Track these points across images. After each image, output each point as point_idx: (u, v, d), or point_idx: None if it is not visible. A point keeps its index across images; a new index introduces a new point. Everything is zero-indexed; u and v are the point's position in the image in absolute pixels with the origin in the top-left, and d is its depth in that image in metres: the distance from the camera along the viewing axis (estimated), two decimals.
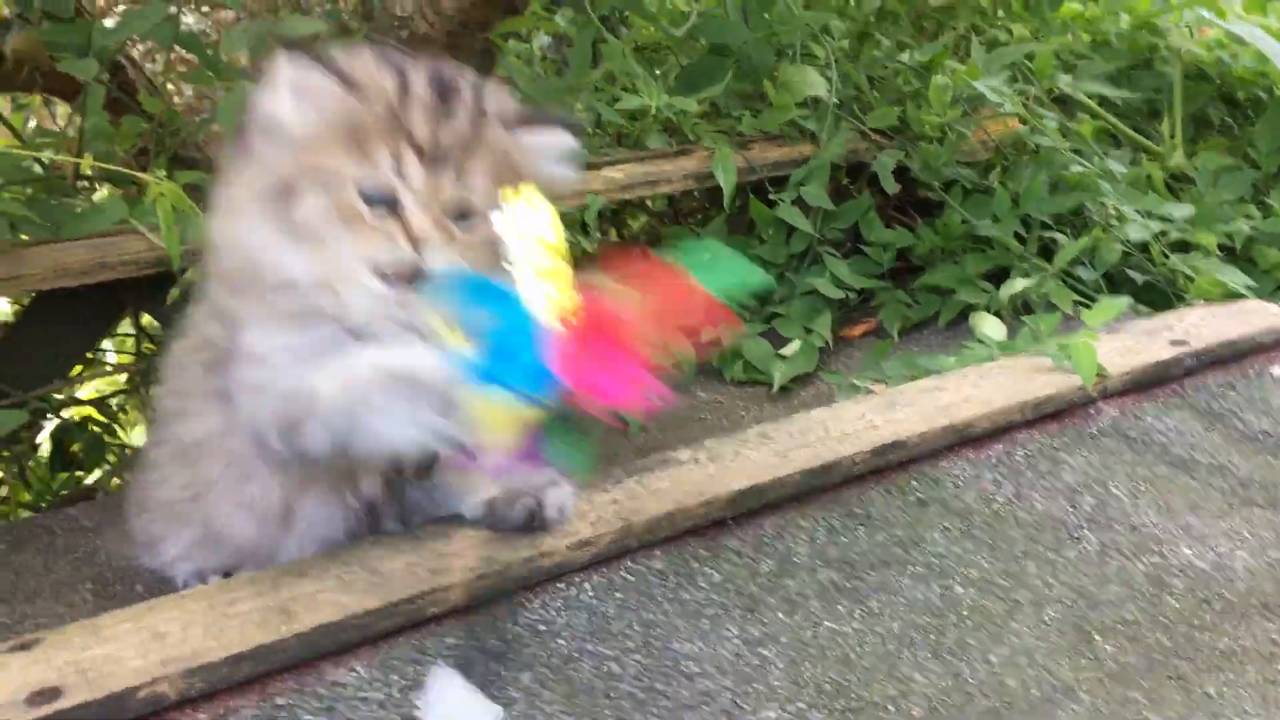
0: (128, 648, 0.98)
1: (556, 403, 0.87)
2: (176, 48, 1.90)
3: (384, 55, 0.99)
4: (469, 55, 1.92)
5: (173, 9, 1.77)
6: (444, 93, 0.96)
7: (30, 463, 2.09)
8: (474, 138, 0.96)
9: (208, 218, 1.04)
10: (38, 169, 1.81)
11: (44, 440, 2.09)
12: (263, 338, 1.01)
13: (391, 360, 0.94)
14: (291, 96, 0.95)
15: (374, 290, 0.96)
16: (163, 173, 1.53)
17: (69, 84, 2.00)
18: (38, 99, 2.71)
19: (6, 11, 1.98)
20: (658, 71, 2.31)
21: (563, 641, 1.07)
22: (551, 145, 1.02)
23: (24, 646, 0.99)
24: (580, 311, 0.90)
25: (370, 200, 0.94)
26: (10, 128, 2.06)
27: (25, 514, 1.89)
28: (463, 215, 0.96)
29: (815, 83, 2.07)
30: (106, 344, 2.13)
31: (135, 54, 2.47)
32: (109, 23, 2.21)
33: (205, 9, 2.95)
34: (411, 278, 0.94)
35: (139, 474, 1.25)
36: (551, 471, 1.16)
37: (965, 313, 1.93)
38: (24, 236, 1.64)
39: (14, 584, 1.38)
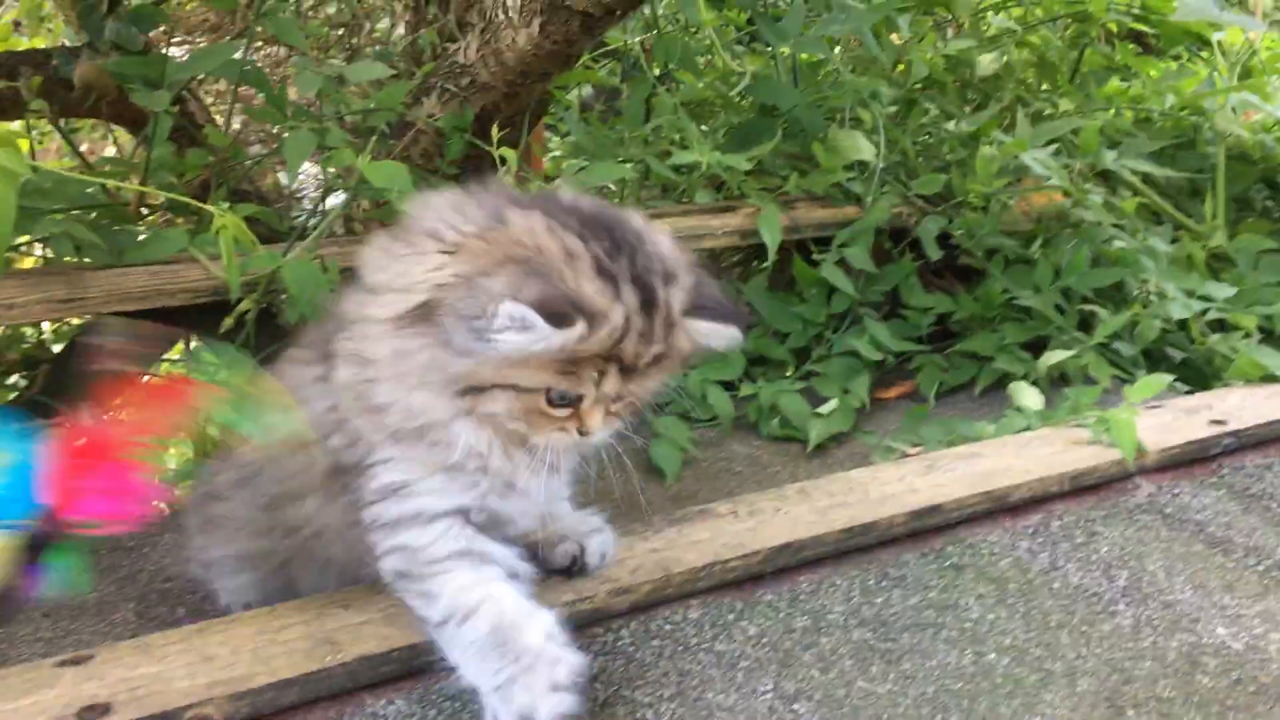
0: (177, 668, 1.01)
1: (42, 527, 0.92)
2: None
3: (602, 266, 0.97)
4: (526, 105, 1.96)
5: (240, 49, 1.83)
6: (648, 306, 0.97)
7: None
8: (666, 353, 1.01)
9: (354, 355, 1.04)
10: (102, 195, 1.86)
11: None
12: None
13: None
14: (519, 336, 0.92)
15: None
16: (225, 204, 1.57)
17: (133, 112, 2.06)
18: (87, 125, 2.79)
19: (67, 40, 2.04)
20: (704, 128, 2.35)
21: (599, 687, 1.08)
22: (721, 336, 1.04)
23: (76, 662, 1.02)
24: (69, 442, 0.95)
25: (557, 402, 0.99)
26: (80, 156, 2.12)
27: None
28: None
29: (863, 147, 2.11)
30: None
31: (197, 88, 2.54)
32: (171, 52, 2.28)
33: (259, 44, 3.03)
34: None
35: (208, 497, 1.25)
36: (597, 519, 1.19)
37: (1001, 380, 1.94)
38: (86, 260, 1.69)
39: (57, 600, 1.41)
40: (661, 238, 1.06)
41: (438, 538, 1.03)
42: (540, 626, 1.00)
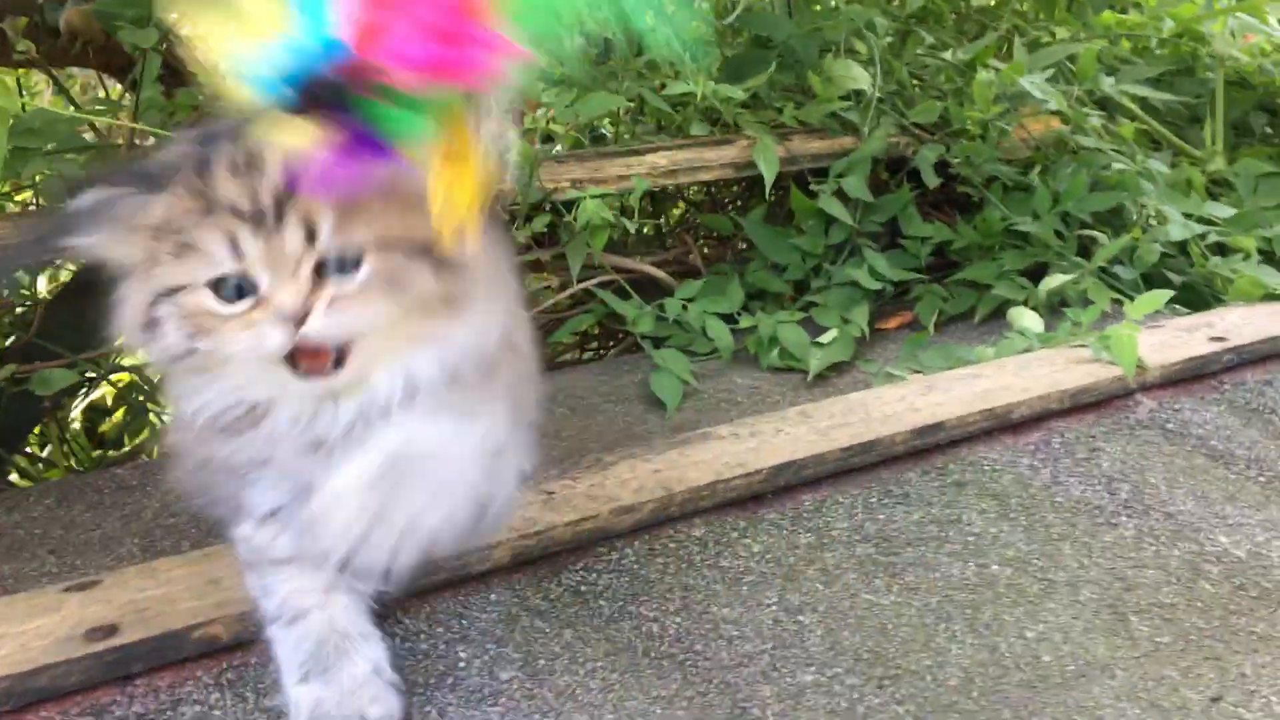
0: (183, 590, 1.01)
1: (337, 75, 0.67)
2: None
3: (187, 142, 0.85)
4: None
5: None
6: (251, 155, 0.79)
7: (77, 429, 2.13)
8: (297, 179, 0.78)
9: None
10: (92, 138, 1.84)
11: (76, 416, 2.14)
12: None
13: None
14: (97, 229, 0.81)
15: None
16: None
17: (120, 59, 2.03)
18: (77, 81, 2.76)
19: None
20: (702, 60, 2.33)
21: (604, 603, 1.08)
22: None
23: (82, 587, 1.02)
24: None
25: (228, 295, 0.80)
26: (69, 97, 2.10)
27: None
28: (340, 262, 0.80)
29: (859, 77, 2.09)
30: None
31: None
32: None
33: None
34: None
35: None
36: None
37: (1001, 309, 1.93)
38: None
39: (63, 537, 1.41)
40: None
41: (275, 537, 0.92)
42: (369, 657, 0.91)
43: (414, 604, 1.05)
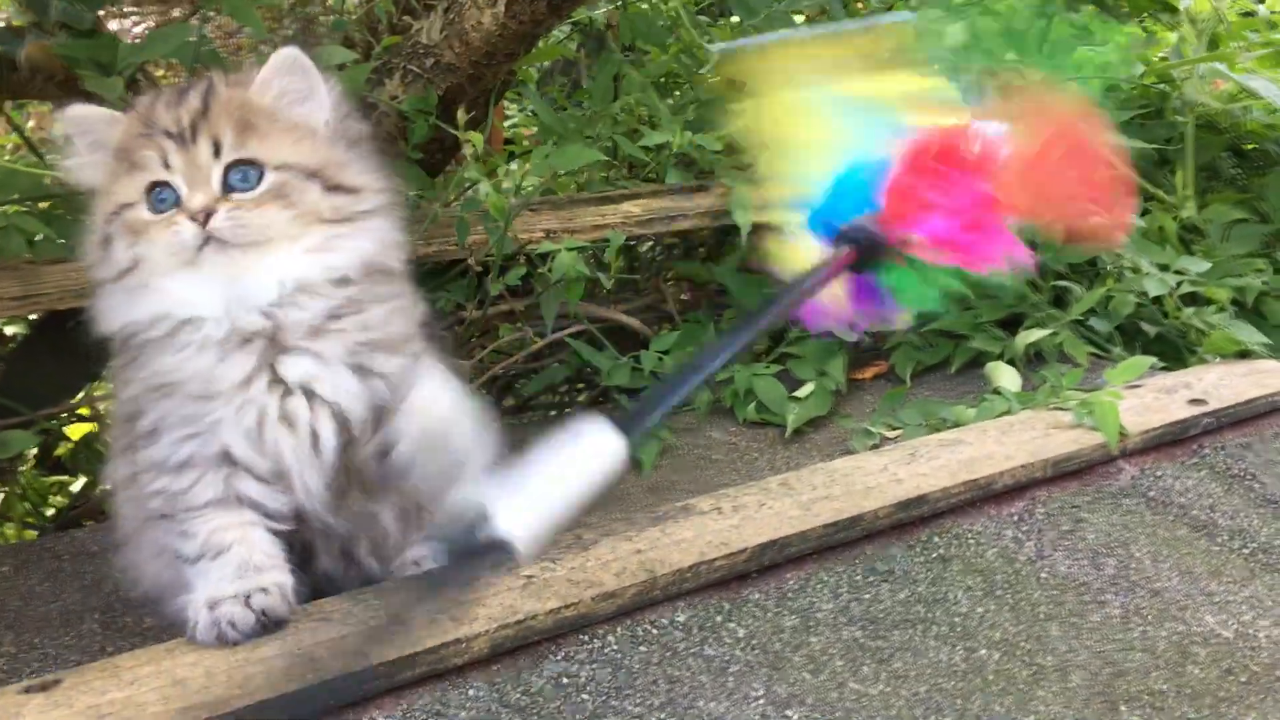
0: (148, 692, 0.97)
1: (869, 236, 0.76)
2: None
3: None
4: (491, 86, 1.91)
5: (196, 30, 1.76)
6: (183, 89, 1.06)
7: (37, 484, 2.07)
8: (207, 106, 1.02)
9: None
10: (55, 185, 1.79)
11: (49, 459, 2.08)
12: None
13: None
14: (77, 141, 1.06)
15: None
16: None
17: (84, 95, 1.98)
18: (36, 108, 2.70)
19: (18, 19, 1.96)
20: (670, 100, 2.31)
21: (587, 697, 1.05)
22: (283, 66, 1.05)
23: (44, 688, 0.98)
24: (927, 145, 0.76)
25: (159, 204, 1.02)
26: (31, 146, 2.04)
27: (29, 535, 1.86)
28: (244, 177, 1.02)
29: None
30: None
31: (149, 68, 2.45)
32: (115, 25, 2.20)
33: (211, 15, 2.93)
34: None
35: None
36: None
37: (978, 359, 1.93)
38: (33, 256, 1.62)
39: (20, 611, 1.36)
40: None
41: (193, 484, 1.05)
42: (277, 579, 1.05)
43: (389, 702, 1.01)
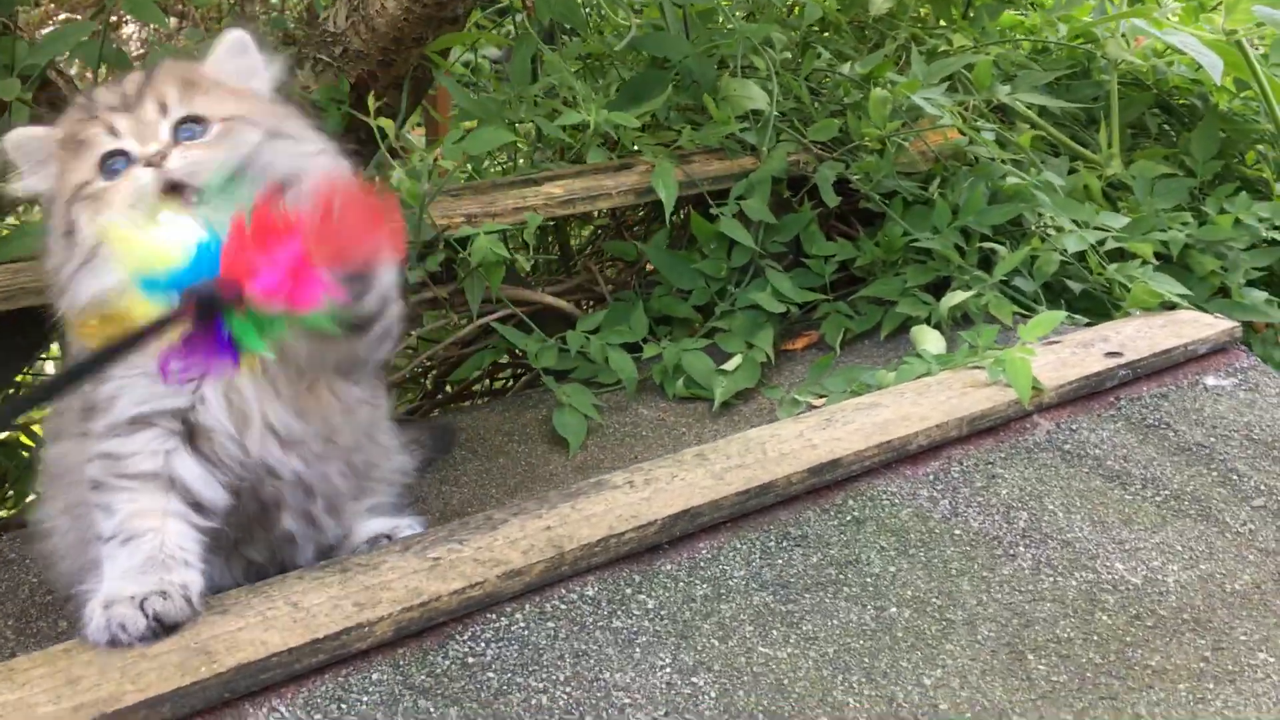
0: (40, 693, 0.96)
1: (216, 290, 0.89)
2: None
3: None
4: (404, 72, 1.90)
5: (99, 26, 1.74)
6: (123, 79, 1.11)
7: None
8: (150, 77, 1.08)
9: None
10: None
11: None
12: None
13: None
14: (23, 163, 1.10)
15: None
16: None
17: None
18: None
19: None
20: (598, 84, 2.30)
21: (492, 675, 1.05)
22: (232, 45, 1.12)
23: None
24: (255, 221, 0.93)
25: (110, 169, 1.05)
26: None
27: None
28: (192, 134, 1.06)
29: (756, 96, 2.07)
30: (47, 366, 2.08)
31: (68, 70, 2.42)
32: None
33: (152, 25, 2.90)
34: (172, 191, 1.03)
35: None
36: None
37: (907, 324, 1.93)
38: None
39: None
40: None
41: (137, 450, 1.08)
42: (184, 578, 1.05)
43: (289, 690, 1.00)
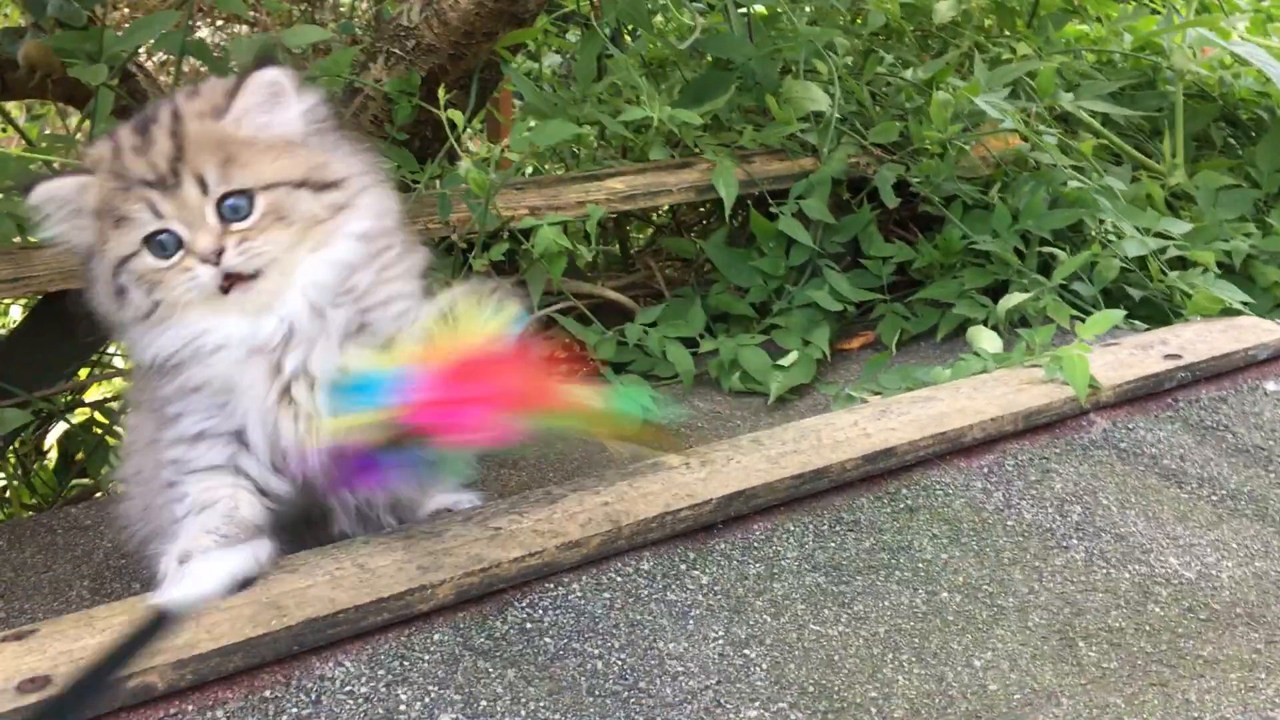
0: (119, 638, 1.00)
1: (406, 420, 0.95)
2: (189, 58, 1.92)
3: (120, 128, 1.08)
4: (473, 67, 1.94)
5: (176, 19, 1.80)
6: (143, 129, 1.05)
7: (36, 466, 2.12)
8: (180, 147, 1.03)
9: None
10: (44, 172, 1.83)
11: (52, 446, 2.12)
12: None
13: None
14: (53, 215, 1.07)
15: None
16: None
17: (80, 92, 2.03)
18: (52, 109, 2.76)
19: (20, 20, 2.00)
20: (662, 86, 2.33)
21: (549, 640, 1.08)
22: (259, 92, 1.06)
23: (18, 637, 1.01)
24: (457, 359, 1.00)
25: (161, 253, 1.04)
26: (21, 133, 2.09)
27: (27, 515, 1.91)
28: (235, 209, 1.03)
29: (818, 98, 2.09)
30: (113, 348, 2.15)
31: (149, 65, 2.50)
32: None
33: (220, 23, 2.99)
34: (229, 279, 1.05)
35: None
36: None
37: (963, 327, 1.94)
38: (31, 239, 1.67)
39: (13, 581, 1.40)
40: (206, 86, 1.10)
41: (204, 453, 1.11)
42: (255, 550, 1.08)
43: (354, 646, 1.04)
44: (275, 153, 1.05)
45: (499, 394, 0.97)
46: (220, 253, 1.02)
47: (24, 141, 2.10)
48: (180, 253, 1.03)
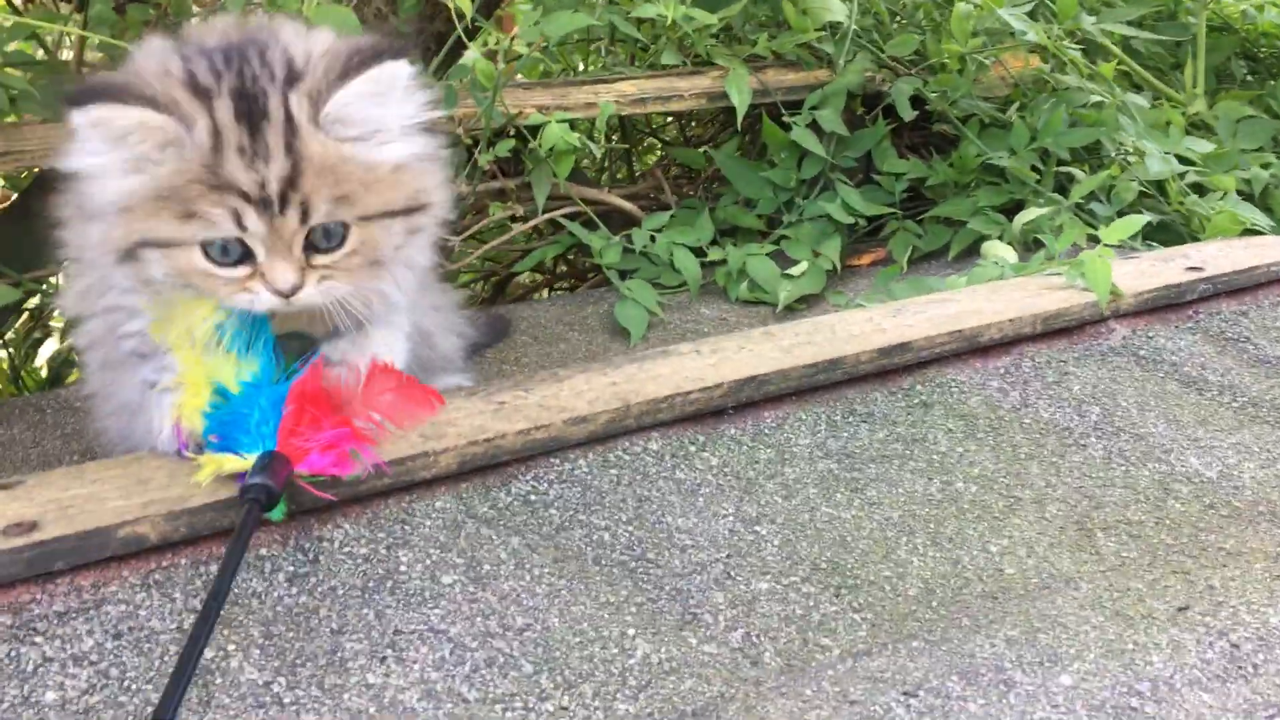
0: (110, 489, 0.96)
1: (273, 475, 0.92)
2: None
3: (196, 81, 0.90)
4: None
5: None
6: (251, 121, 0.87)
7: (25, 369, 2.08)
8: (296, 169, 0.87)
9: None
10: (40, 55, 1.78)
11: (44, 365, 2.09)
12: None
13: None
14: (104, 147, 0.88)
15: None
16: None
17: None
18: None
19: None
20: None
21: (554, 512, 1.04)
22: (370, 90, 0.89)
23: (6, 487, 0.98)
24: (309, 393, 0.97)
25: (219, 255, 0.89)
26: (12, 6, 2.02)
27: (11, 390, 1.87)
28: (326, 233, 0.90)
29: (835, 8, 2.03)
30: None
31: None
32: None
33: None
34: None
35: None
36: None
37: (976, 246, 1.89)
38: (14, 114, 1.62)
39: (2, 455, 1.36)
40: (305, 41, 0.92)
41: None
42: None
43: (354, 509, 1.00)
44: (385, 182, 0.91)
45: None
46: (298, 289, 0.90)
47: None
48: (246, 268, 0.89)
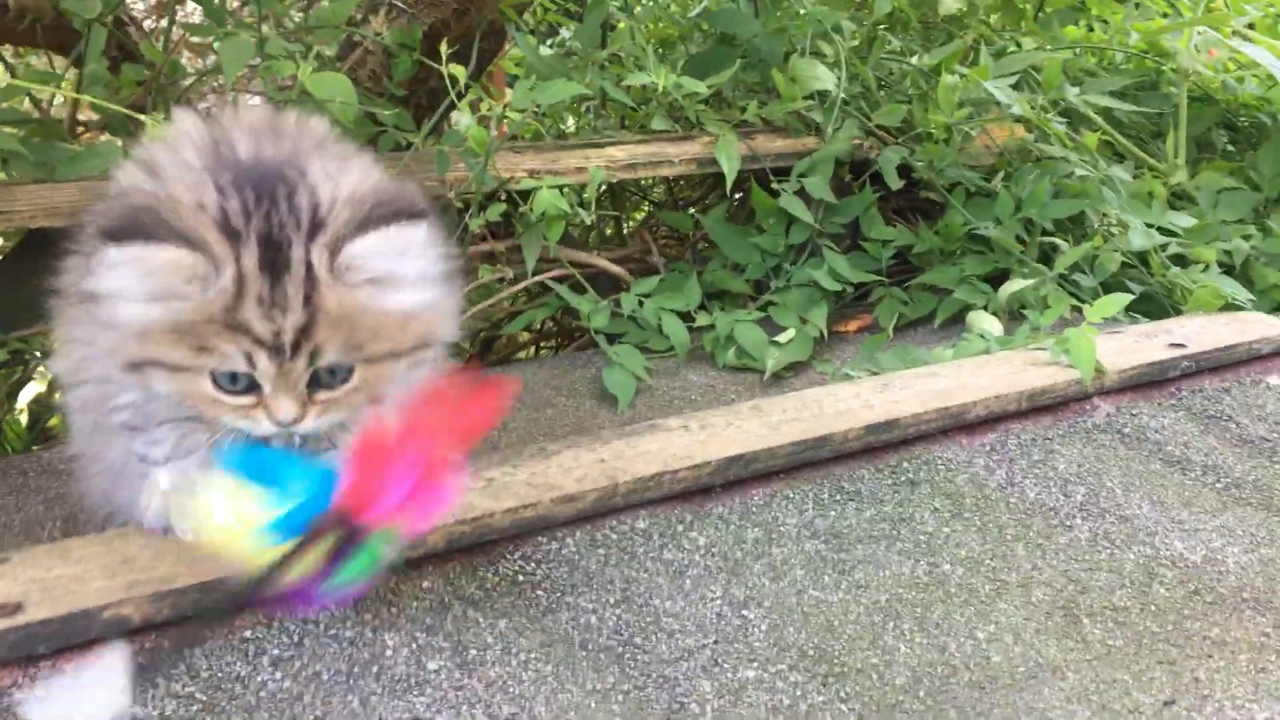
0: (94, 569, 0.96)
1: (337, 529, 0.86)
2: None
3: (228, 221, 0.89)
4: (476, 24, 1.90)
5: None
6: (275, 271, 0.87)
7: (7, 418, 2.06)
8: (312, 320, 0.88)
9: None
10: (34, 113, 1.78)
11: (24, 409, 2.06)
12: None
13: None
14: (134, 280, 0.87)
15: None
16: (161, 116, 1.50)
17: (72, 39, 1.98)
18: (37, 56, 2.70)
19: None
20: (667, 57, 2.29)
21: (542, 593, 1.04)
22: (386, 248, 0.89)
23: None
24: (368, 445, 0.90)
25: (227, 383, 0.90)
26: (8, 66, 2.04)
27: None
28: (331, 372, 0.91)
29: (824, 76, 2.06)
30: None
31: (138, 14, 2.45)
32: None
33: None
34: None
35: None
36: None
37: (962, 314, 1.91)
38: (15, 174, 1.62)
39: None
40: (332, 183, 0.92)
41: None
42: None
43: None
44: (395, 325, 0.92)
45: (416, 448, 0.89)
46: (298, 420, 0.91)
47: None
48: (251, 397, 0.90)
